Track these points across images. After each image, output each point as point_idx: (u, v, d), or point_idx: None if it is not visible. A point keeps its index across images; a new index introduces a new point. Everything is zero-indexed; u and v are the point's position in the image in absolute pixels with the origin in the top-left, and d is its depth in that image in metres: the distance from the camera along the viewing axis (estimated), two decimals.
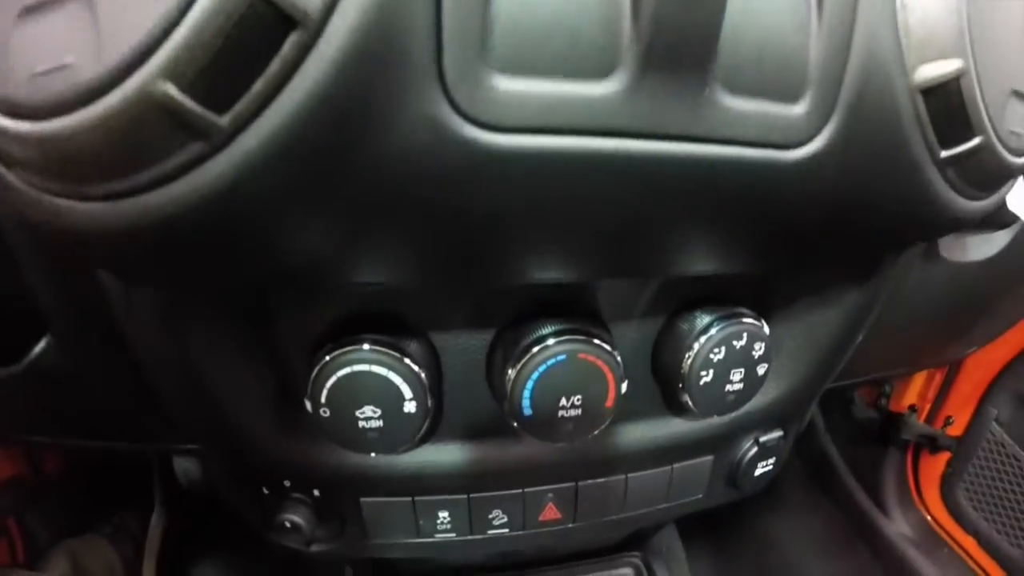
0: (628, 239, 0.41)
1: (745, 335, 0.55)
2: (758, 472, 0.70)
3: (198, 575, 1.28)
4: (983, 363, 1.10)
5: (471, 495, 0.62)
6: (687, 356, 0.55)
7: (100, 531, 1.18)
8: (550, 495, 0.65)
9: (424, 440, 0.59)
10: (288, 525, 0.59)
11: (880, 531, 1.18)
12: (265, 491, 0.61)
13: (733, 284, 0.58)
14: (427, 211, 0.34)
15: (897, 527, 1.20)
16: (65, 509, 1.14)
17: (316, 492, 0.61)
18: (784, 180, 0.36)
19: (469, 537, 0.65)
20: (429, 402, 0.51)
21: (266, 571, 1.26)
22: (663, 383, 0.61)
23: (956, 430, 1.15)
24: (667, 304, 0.59)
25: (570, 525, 0.68)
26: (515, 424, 0.52)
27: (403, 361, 0.50)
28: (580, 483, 0.65)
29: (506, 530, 0.65)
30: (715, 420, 0.63)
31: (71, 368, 0.55)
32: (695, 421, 0.64)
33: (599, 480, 0.65)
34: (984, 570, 1.13)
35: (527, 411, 0.52)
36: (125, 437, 0.69)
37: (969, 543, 1.16)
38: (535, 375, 0.51)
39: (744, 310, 0.56)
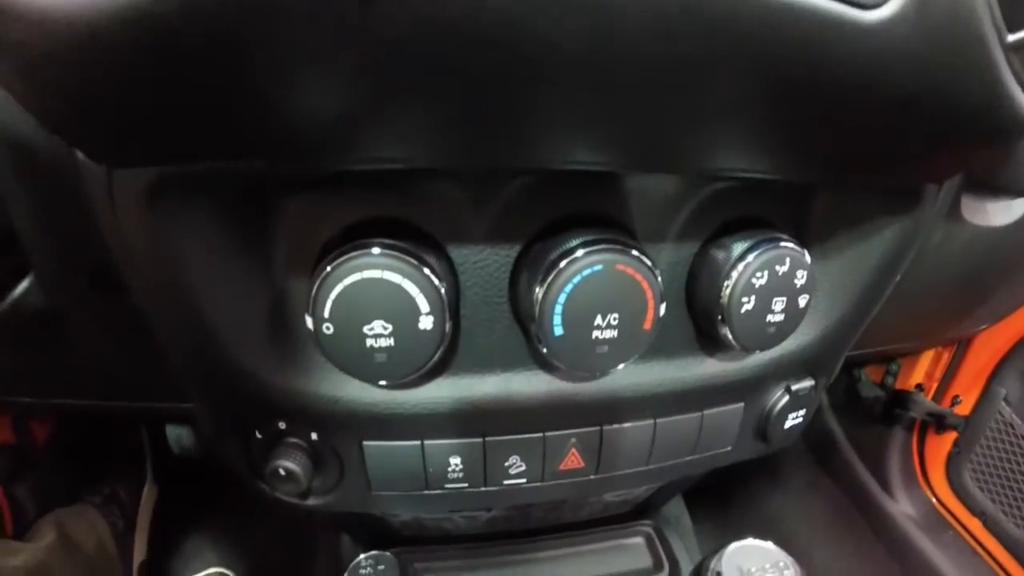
0: (670, 105, 0.34)
1: (788, 260, 0.49)
2: (788, 424, 0.63)
3: (191, 547, 1.18)
4: (992, 342, 1.03)
5: (487, 438, 0.53)
6: (727, 283, 0.48)
7: (89, 501, 1.07)
8: (573, 440, 0.56)
9: (436, 371, 0.50)
10: (282, 472, 0.50)
11: (884, 511, 1.10)
12: (258, 435, 0.52)
13: (771, 209, 0.53)
14: (462, 53, 0.28)
15: (901, 508, 1.12)
16: (54, 479, 1.04)
17: (313, 435, 0.52)
18: (852, 42, 0.31)
19: (482, 489, 0.56)
20: (447, 320, 0.42)
21: (261, 541, 1.16)
22: (699, 314, 0.53)
23: (963, 409, 1.07)
24: (701, 229, 0.52)
25: (592, 476, 0.58)
26: (543, 349, 0.45)
27: (420, 269, 0.41)
28: (605, 427, 0.56)
29: (523, 480, 0.56)
30: (748, 363, 0.57)
31: (55, 311, 0.48)
32: (730, 361, 0.57)
33: (626, 425, 0.56)
34: (989, 552, 1.05)
35: (557, 330, 0.44)
36: (115, 395, 0.60)
37: (974, 524, 1.08)
38: (568, 287, 0.43)
39: (784, 236, 0.49)
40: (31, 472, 0.98)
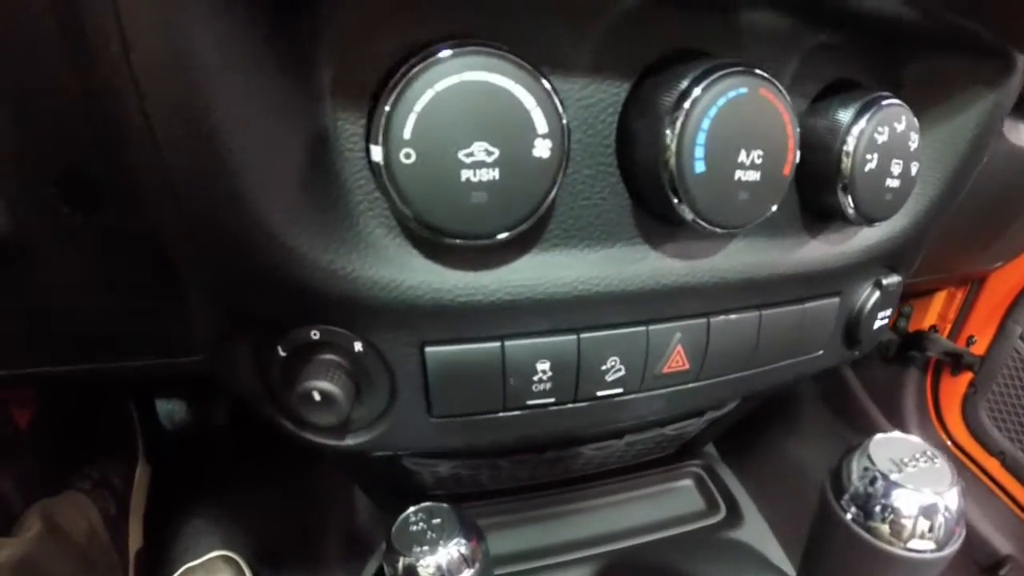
0: None
1: (903, 119, 0.42)
2: (876, 325, 0.55)
3: (190, 530, 1.01)
4: (1006, 281, 0.95)
5: (582, 335, 0.39)
6: (848, 139, 0.41)
7: (78, 487, 0.90)
8: (679, 335, 0.43)
9: (527, 241, 0.36)
10: (317, 396, 0.35)
11: None
12: (281, 352, 0.37)
13: (867, 76, 0.45)
14: None
15: None
16: (38, 466, 0.87)
17: (357, 345, 0.37)
18: None
19: (571, 405, 0.42)
20: (567, 148, 0.29)
21: (266, 519, 0.99)
22: (812, 182, 0.42)
23: (978, 349, 0.98)
24: (805, 88, 0.43)
25: (693, 384, 0.46)
26: (675, 199, 0.34)
27: (538, 79, 0.27)
28: (712, 319, 0.44)
29: (619, 390, 0.42)
30: (847, 247, 0.49)
31: (19, 237, 0.36)
32: (831, 245, 0.48)
33: (732, 317, 0.45)
34: (1007, 491, 0.97)
35: (699, 166, 0.33)
36: (98, 354, 0.46)
37: (992, 464, 0.99)
38: (712, 112, 0.32)
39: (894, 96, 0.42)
40: (14, 461, 0.82)
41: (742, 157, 0.34)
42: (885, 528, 0.39)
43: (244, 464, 1.05)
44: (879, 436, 0.42)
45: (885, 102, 0.41)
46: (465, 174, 0.29)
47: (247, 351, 0.38)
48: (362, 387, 0.38)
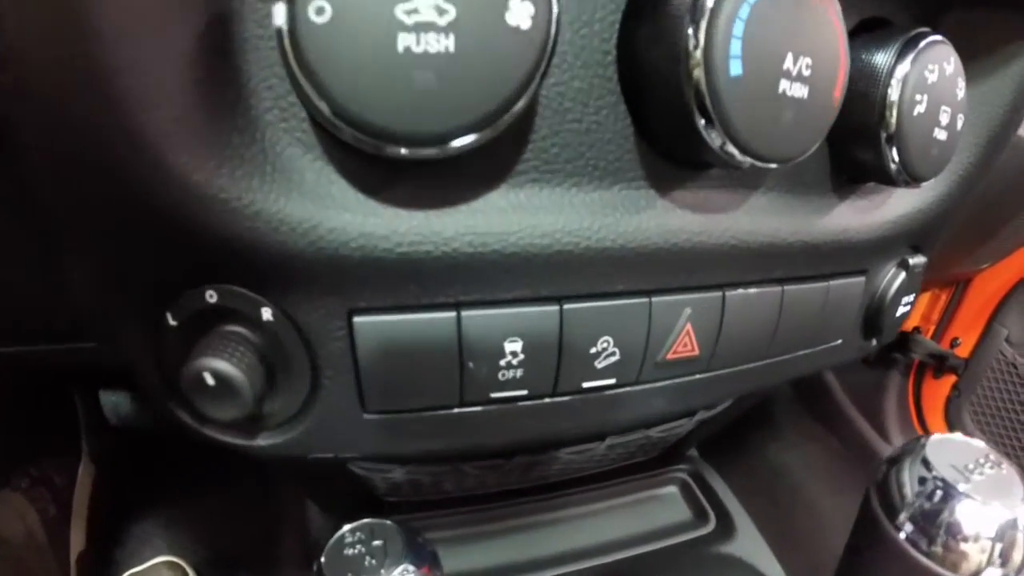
0: None
1: (952, 60, 0.33)
2: (899, 312, 0.45)
3: (136, 533, 0.88)
4: (991, 282, 0.88)
5: (565, 305, 0.27)
6: (892, 81, 0.31)
7: (14, 485, 0.76)
8: (688, 310, 0.31)
9: (496, 168, 0.25)
10: (210, 380, 0.24)
11: (880, 456, 0.89)
12: (171, 319, 0.26)
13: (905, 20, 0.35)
14: None
15: None
16: None
17: (265, 312, 0.25)
18: None
19: (549, 400, 0.30)
20: (553, 25, 0.18)
21: (216, 523, 0.86)
22: (850, 133, 0.32)
23: (963, 351, 0.88)
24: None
25: (702, 374, 0.34)
26: (703, 107, 0.22)
27: None
28: (728, 292, 0.32)
29: (612, 380, 0.30)
30: (876, 218, 0.39)
31: None
32: (860, 212, 0.38)
33: (751, 291, 0.33)
34: None
35: (734, 67, 0.22)
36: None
37: None
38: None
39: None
40: None
41: (788, 63, 0.24)
42: (951, 553, 0.29)
43: (194, 464, 0.92)
44: (935, 437, 0.33)
45: (930, 39, 0.32)
46: (405, 40, 0.17)
47: (132, 324, 0.27)
48: (276, 370, 0.27)
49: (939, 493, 0.30)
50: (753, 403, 0.63)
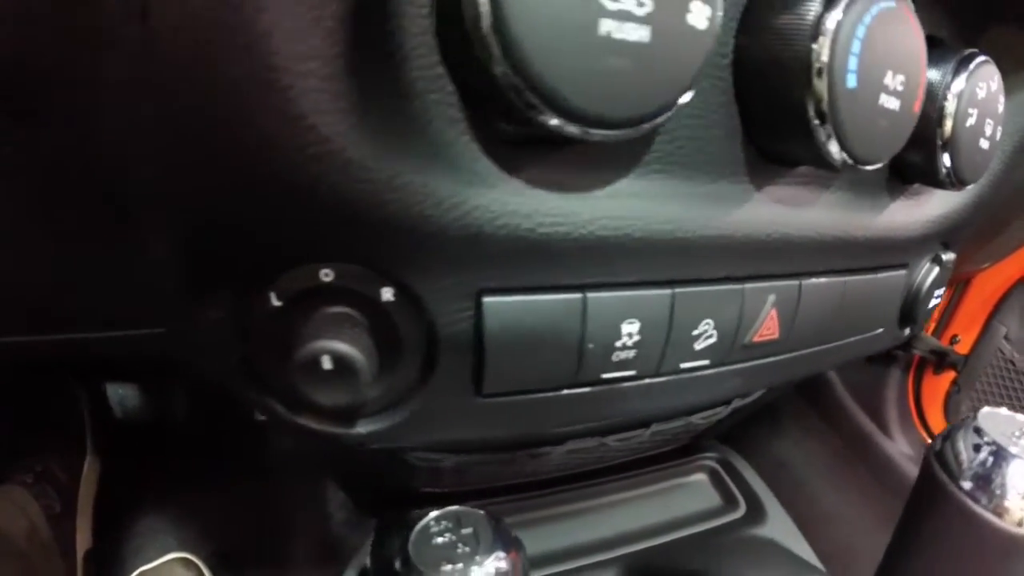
0: None
1: (996, 78, 0.37)
2: (931, 303, 0.50)
3: (144, 530, 0.86)
4: (992, 280, 0.92)
5: (676, 289, 0.29)
6: (950, 94, 0.35)
7: (18, 480, 0.75)
8: (772, 297, 0.34)
9: (625, 158, 0.26)
10: (328, 364, 0.23)
11: (884, 453, 0.95)
12: (275, 302, 0.25)
13: (950, 30, 0.39)
14: None
15: (900, 448, 0.96)
16: None
17: (386, 291, 0.25)
18: None
19: (648, 381, 0.32)
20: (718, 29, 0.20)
21: (228, 519, 0.86)
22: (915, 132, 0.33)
23: (962, 348, 0.93)
24: None
25: (778, 357, 0.37)
26: (820, 112, 0.25)
27: None
28: (804, 281, 0.35)
29: (706, 361, 0.32)
30: (919, 216, 0.43)
31: None
32: (907, 210, 0.42)
33: (822, 280, 0.37)
34: None
35: (851, 80, 0.25)
36: (30, 323, 0.31)
37: None
38: (867, 19, 0.25)
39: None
40: None
41: (888, 79, 0.27)
42: (1005, 504, 0.33)
43: (204, 458, 0.91)
44: (985, 410, 0.37)
45: (980, 59, 0.36)
46: (606, 26, 0.18)
47: (226, 306, 0.26)
48: (384, 354, 0.26)
49: (992, 456, 0.34)
50: (780, 391, 0.66)
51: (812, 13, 0.25)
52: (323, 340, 0.23)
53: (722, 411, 0.57)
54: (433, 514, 0.38)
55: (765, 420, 1.05)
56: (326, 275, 0.24)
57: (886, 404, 1.02)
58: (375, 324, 0.26)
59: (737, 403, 0.57)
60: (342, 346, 0.23)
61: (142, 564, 0.85)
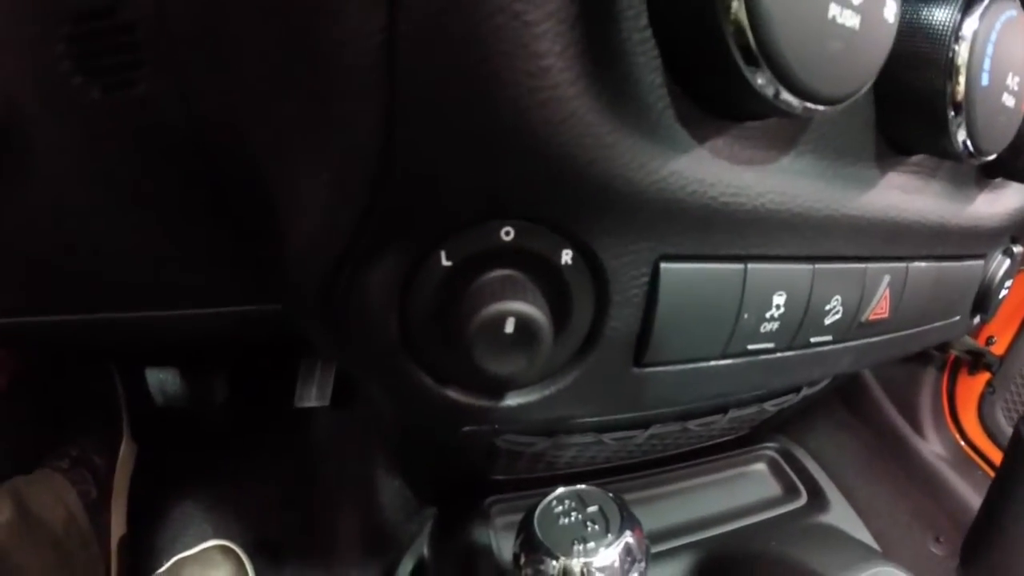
0: None
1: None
2: (1002, 294, 0.53)
3: (179, 517, 0.87)
4: None
5: (817, 265, 0.31)
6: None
7: (55, 466, 0.76)
8: (888, 278, 0.37)
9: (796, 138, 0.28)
10: (510, 327, 0.23)
11: (916, 451, 0.97)
12: (445, 262, 0.24)
13: None
14: None
15: (932, 448, 0.99)
16: (12, 439, 0.75)
17: (566, 255, 0.25)
18: None
19: (780, 354, 0.34)
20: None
21: (266, 506, 0.86)
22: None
23: (998, 349, 0.95)
24: None
25: (882, 337, 0.40)
26: (956, 106, 0.29)
27: None
28: (911, 264, 0.39)
29: (829, 337, 0.35)
30: (998, 208, 0.44)
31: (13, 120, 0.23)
32: (995, 193, 0.43)
33: (923, 264, 0.40)
34: None
35: (984, 79, 0.29)
36: (132, 297, 0.34)
37: None
38: (999, 25, 0.29)
39: None
40: None
41: (1009, 79, 0.30)
42: None
43: (242, 445, 0.91)
44: None
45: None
46: (833, 10, 0.20)
47: (393, 269, 0.24)
48: (554, 322, 0.25)
49: None
50: (840, 383, 0.68)
51: (953, 18, 0.28)
52: (506, 301, 0.23)
53: (792, 399, 0.59)
54: (555, 494, 0.39)
55: (800, 416, 1.07)
56: (507, 233, 0.24)
57: (920, 404, 1.04)
58: (550, 289, 0.25)
59: (807, 391, 0.59)
60: (528, 308, 0.23)
61: (180, 551, 0.85)
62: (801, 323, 0.32)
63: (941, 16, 0.28)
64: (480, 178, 0.22)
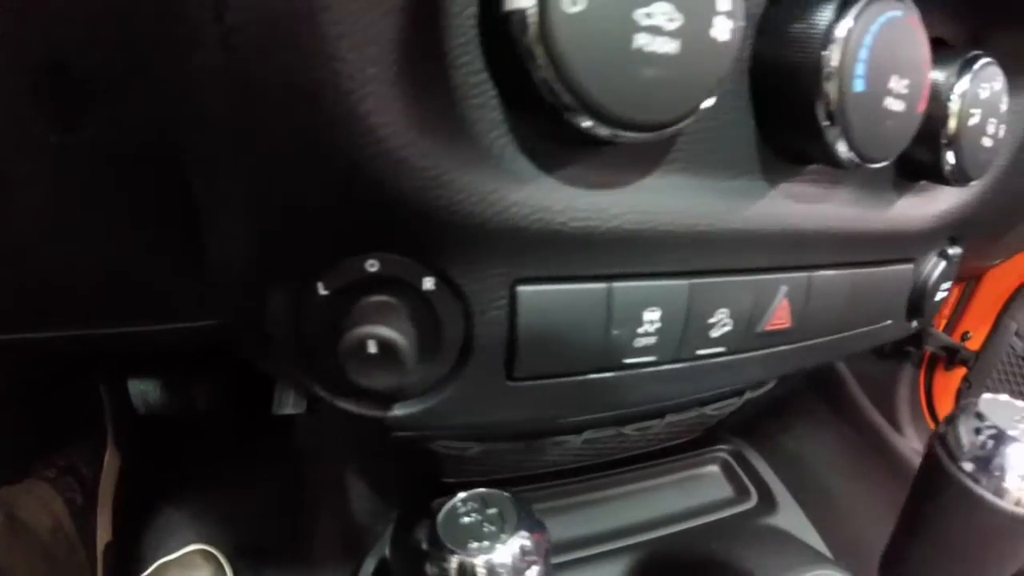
0: None
1: (1000, 78, 0.39)
2: (938, 296, 0.52)
3: (164, 523, 0.89)
4: (1004, 277, 0.93)
5: (693, 280, 0.32)
6: (953, 95, 0.38)
7: (41, 475, 0.78)
8: (784, 288, 0.37)
9: (655, 154, 0.29)
10: (373, 348, 0.26)
11: (894, 448, 0.97)
12: (322, 291, 0.28)
13: (955, 32, 0.42)
14: None
15: (911, 444, 0.98)
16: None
17: (428, 282, 0.28)
18: None
19: (667, 367, 0.35)
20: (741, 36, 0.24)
21: (249, 512, 0.88)
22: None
23: (973, 344, 0.95)
24: None
25: (786, 346, 0.41)
26: (825, 120, 0.29)
27: None
28: (813, 273, 0.39)
29: (722, 348, 0.35)
30: (926, 211, 0.45)
31: None
32: (914, 207, 0.44)
33: (829, 273, 0.40)
34: None
35: (858, 84, 0.28)
36: (87, 316, 0.35)
37: None
38: (874, 28, 0.28)
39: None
40: None
41: (892, 83, 0.30)
42: (1005, 485, 0.35)
43: (223, 452, 0.94)
44: (986, 396, 0.39)
45: (984, 61, 0.38)
46: (640, 40, 0.21)
47: (283, 295, 0.28)
48: (424, 341, 0.29)
49: (992, 439, 0.36)
50: (792, 385, 0.68)
51: (824, 21, 0.28)
52: (368, 326, 0.25)
53: (735, 403, 0.60)
54: (460, 496, 0.41)
55: (777, 414, 1.07)
56: (371, 265, 0.27)
57: (898, 400, 1.04)
58: (416, 312, 0.28)
59: (749, 395, 0.60)
60: (386, 331, 0.25)
61: (162, 556, 0.87)
62: (682, 337, 0.33)
63: (814, 20, 0.28)
64: (335, 221, 0.25)
